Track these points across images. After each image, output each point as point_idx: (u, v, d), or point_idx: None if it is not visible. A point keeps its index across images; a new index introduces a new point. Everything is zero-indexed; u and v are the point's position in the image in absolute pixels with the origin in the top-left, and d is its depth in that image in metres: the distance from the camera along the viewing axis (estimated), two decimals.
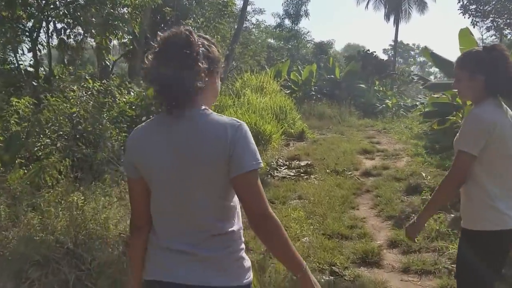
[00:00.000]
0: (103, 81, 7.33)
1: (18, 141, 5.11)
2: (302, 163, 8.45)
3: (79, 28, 8.95)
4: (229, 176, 1.44)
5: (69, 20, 8.34)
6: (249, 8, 24.70)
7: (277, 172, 7.74)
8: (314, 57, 32.61)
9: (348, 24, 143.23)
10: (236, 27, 15.91)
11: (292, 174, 7.70)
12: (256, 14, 38.93)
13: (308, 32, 52.12)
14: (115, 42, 10.10)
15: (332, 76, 22.81)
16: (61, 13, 8.27)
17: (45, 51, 8.75)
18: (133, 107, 7.62)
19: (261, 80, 16.14)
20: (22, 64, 8.27)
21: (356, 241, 4.72)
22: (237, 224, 1.54)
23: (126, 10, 9.12)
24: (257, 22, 27.68)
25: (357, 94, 21.22)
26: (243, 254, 1.54)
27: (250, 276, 1.53)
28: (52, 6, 8.15)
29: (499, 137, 2.06)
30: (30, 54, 8.26)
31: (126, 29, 8.72)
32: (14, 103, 5.90)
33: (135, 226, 1.62)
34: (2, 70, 8.11)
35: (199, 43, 1.46)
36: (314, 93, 22.49)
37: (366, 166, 8.52)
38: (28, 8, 8.02)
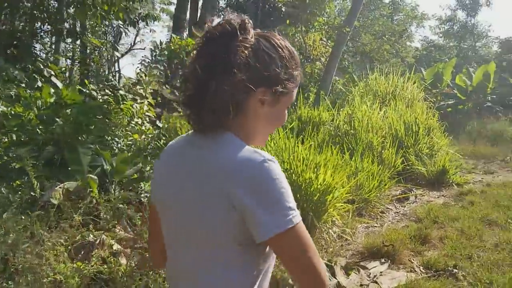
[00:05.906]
0: None
1: None
2: (386, 282, 3.11)
3: None
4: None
5: None
6: None
7: None
8: (497, 58, 24.24)
9: None
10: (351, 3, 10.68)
11: None
12: None
13: (489, 26, 43.84)
14: None
15: None
16: None
17: None
18: None
19: (394, 84, 10.73)
20: None
21: None
22: None
23: None
24: (403, 5, 20.75)
25: None
26: None
27: None
28: None
29: None
30: None
31: None
32: None
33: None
34: None
35: (248, 44, 0.98)
36: (490, 104, 15.72)
37: None
38: None
